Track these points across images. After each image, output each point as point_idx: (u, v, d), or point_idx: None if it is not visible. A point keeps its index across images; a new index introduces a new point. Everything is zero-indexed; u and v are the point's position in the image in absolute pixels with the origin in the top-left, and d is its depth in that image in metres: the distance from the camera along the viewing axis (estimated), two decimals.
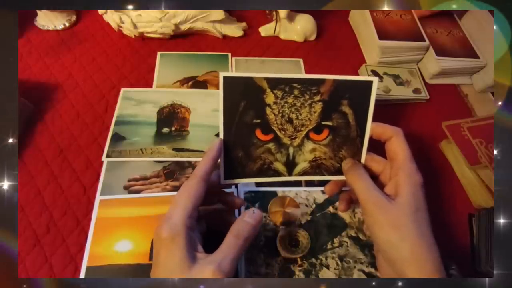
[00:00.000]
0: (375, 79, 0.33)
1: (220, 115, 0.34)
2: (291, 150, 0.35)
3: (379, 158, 0.35)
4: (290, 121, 0.34)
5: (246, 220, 0.29)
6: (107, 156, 0.42)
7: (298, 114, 0.34)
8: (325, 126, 0.34)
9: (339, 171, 0.36)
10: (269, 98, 0.33)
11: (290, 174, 0.36)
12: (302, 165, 0.35)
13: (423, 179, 0.32)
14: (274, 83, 0.33)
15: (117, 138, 0.44)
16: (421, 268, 0.29)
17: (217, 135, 0.45)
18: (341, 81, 0.33)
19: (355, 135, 0.35)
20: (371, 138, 0.35)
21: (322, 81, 0.34)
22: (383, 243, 0.31)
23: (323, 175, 0.36)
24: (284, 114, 0.34)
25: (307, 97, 0.34)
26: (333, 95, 0.34)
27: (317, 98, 0.34)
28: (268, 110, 0.34)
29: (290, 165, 0.35)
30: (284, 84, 0.33)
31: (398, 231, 0.30)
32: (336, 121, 0.34)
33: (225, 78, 0.33)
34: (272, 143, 0.34)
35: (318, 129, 0.34)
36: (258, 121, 0.34)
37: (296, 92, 0.34)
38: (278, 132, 0.34)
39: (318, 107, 0.34)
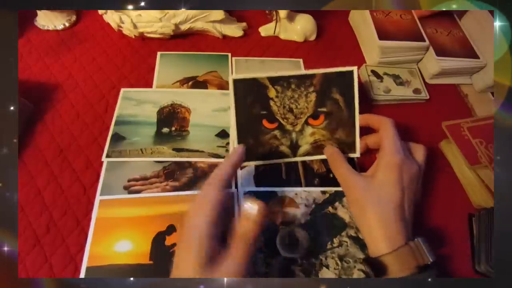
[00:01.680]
0: (354, 68, 0.40)
1: (232, 111, 0.40)
2: (293, 135, 0.41)
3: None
4: (290, 110, 0.40)
5: (251, 218, 0.28)
6: (107, 156, 0.42)
7: (297, 104, 0.40)
8: (321, 112, 0.41)
9: None
10: (271, 92, 0.40)
11: (294, 155, 0.42)
12: (304, 147, 0.41)
13: (401, 162, 0.36)
14: (274, 80, 0.40)
15: (117, 138, 0.44)
16: (376, 236, 0.33)
17: (218, 135, 0.46)
18: (328, 73, 0.40)
19: (347, 116, 0.41)
20: (368, 127, 0.41)
21: (313, 75, 0.40)
22: (354, 216, 0.38)
23: (323, 154, 0.42)
24: (285, 105, 0.40)
25: (303, 89, 0.40)
26: (324, 86, 0.40)
27: (311, 89, 0.40)
28: (271, 103, 0.40)
29: (294, 147, 0.41)
30: (282, 81, 0.40)
31: (362, 206, 0.35)
32: (329, 107, 0.41)
33: (234, 80, 0.39)
34: (277, 130, 0.41)
35: (315, 115, 0.41)
36: (264, 112, 0.40)
37: (293, 86, 0.40)
38: (281, 121, 0.40)
39: (312, 96, 0.40)
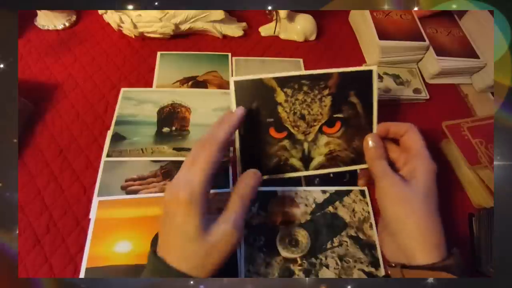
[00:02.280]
0: (374, 67, 0.35)
1: None
2: (305, 145, 0.36)
3: (394, 147, 0.37)
4: (302, 117, 0.35)
5: (247, 182, 0.31)
6: (108, 155, 0.42)
7: (309, 109, 0.35)
8: (337, 119, 0.36)
9: (354, 162, 0.37)
10: (280, 97, 0.34)
11: (306, 169, 0.37)
12: (318, 159, 0.36)
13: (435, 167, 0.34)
14: (283, 81, 0.34)
15: (118, 138, 0.44)
16: (423, 243, 0.31)
17: None
18: (346, 73, 0.35)
19: (365, 123, 0.36)
20: (387, 137, 0.37)
21: (329, 75, 0.35)
22: (390, 216, 0.33)
23: (339, 166, 0.37)
24: (296, 111, 0.35)
25: (316, 92, 0.35)
26: (340, 88, 0.35)
27: (326, 92, 0.35)
28: (280, 109, 0.35)
29: (306, 160, 0.36)
30: (292, 82, 0.34)
31: (406, 206, 0.32)
32: (346, 112, 0.36)
33: (235, 82, 0.33)
34: (287, 140, 0.35)
35: (330, 122, 0.35)
36: (271, 120, 0.35)
37: (305, 88, 0.34)
38: (291, 129, 0.35)
39: (328, 100, 0.35)
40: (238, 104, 0.34)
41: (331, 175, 0.42)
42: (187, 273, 0.26)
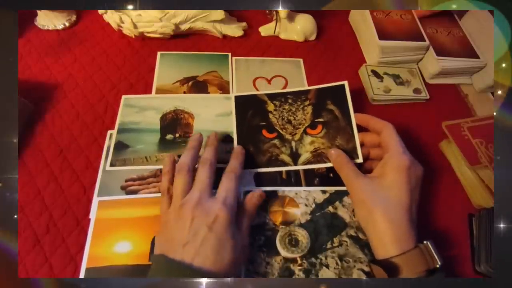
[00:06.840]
0: (345, 82, 0.44)
1: (233, 123, 0.44)
2: (293, 143, 0.42)
3: (378, 147, 0.40)
4: (289, 122, 0.43)
5: (254, 202, 0.37)
6: (111, 165, 0.41)
7: (294, 116, 0.44)
8: (318, 122, 0.43)
9: None
10: (270, 107, 0.45)
11: (295, 163, 0.42)
12: (305, 155, 0.42)
13: (410, 163, 0.35)
14: (272, 96, 0.45)
15: (121, 146, 0.43)
16: (384, 245, 0.33)
17: (222, 140, 0.45)
18: (321, 88, 0.45)
19: (344, 124, 0.42)
20: (367, 130, 0.42)
21: (308, 90, 0.45)
22: (359, 219, 0.37)
23: (325, 162, 0.41)
24: (283, 117, 0.44)
25: (299, 103, 0.44)
26: (318, 98, 0.44)
27: (307, 102, 0.44)
28: (270, 115, 0.44)
29: (295, 156, 0.42)
30: (280, 96, 0.45)
31: (368, 207, 0.34)
32: (326, 117, 0.43)
33: (236, 97, 0.46)
34: (277, 140, 0.43)
35: (313, 126, 0.43)
36: (264, 123, 0.44)
37: (290, 100, 0.45)
38: (280, 131, 0.43)
39: (309, 109, 0.44)
40: (237, 112, 0.45)
41: (331, 174, 0.42)
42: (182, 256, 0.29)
